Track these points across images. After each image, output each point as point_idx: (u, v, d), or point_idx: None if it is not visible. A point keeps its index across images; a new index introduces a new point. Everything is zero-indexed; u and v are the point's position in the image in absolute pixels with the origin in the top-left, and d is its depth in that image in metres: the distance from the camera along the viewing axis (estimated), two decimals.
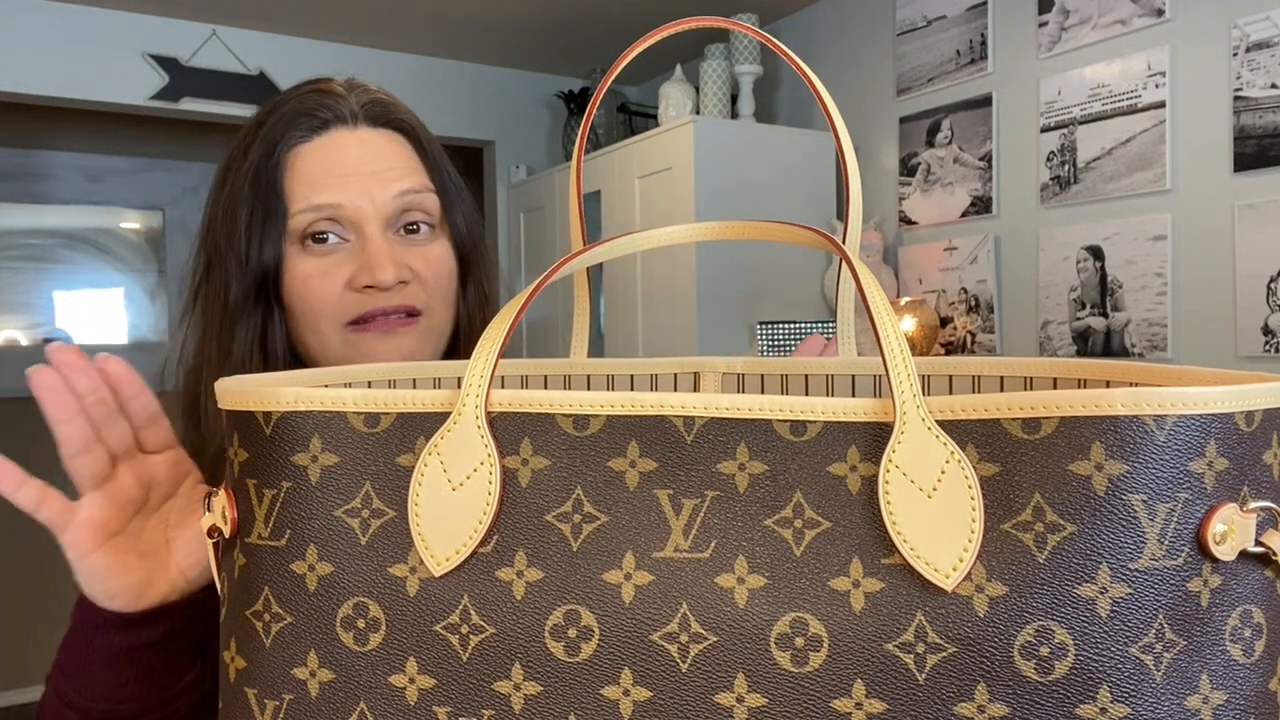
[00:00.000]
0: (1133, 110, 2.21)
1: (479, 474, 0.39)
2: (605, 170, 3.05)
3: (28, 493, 0.53)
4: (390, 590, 0.40)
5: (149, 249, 4.20)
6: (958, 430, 0.35)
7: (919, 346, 2.52)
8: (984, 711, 0.33)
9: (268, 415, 0.42)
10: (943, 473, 0.35)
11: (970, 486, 0.34)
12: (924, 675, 0.34)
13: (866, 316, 0.37)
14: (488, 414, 0.40)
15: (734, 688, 0.36)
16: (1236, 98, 2.03)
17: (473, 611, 0.39)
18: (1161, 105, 2.16)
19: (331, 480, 0.41)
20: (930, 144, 2.70)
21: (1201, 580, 0.34)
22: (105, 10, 3.05)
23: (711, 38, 3.18)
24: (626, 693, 0.37)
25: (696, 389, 0.61)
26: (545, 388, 0.58)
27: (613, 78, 0.53)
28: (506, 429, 0.40)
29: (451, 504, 0.40)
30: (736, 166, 2.74)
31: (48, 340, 3.93)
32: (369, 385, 0.56)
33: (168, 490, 0.59)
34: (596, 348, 3.12)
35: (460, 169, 0.84)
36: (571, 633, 0.38)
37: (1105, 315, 2.28)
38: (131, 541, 0.57)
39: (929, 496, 0.35)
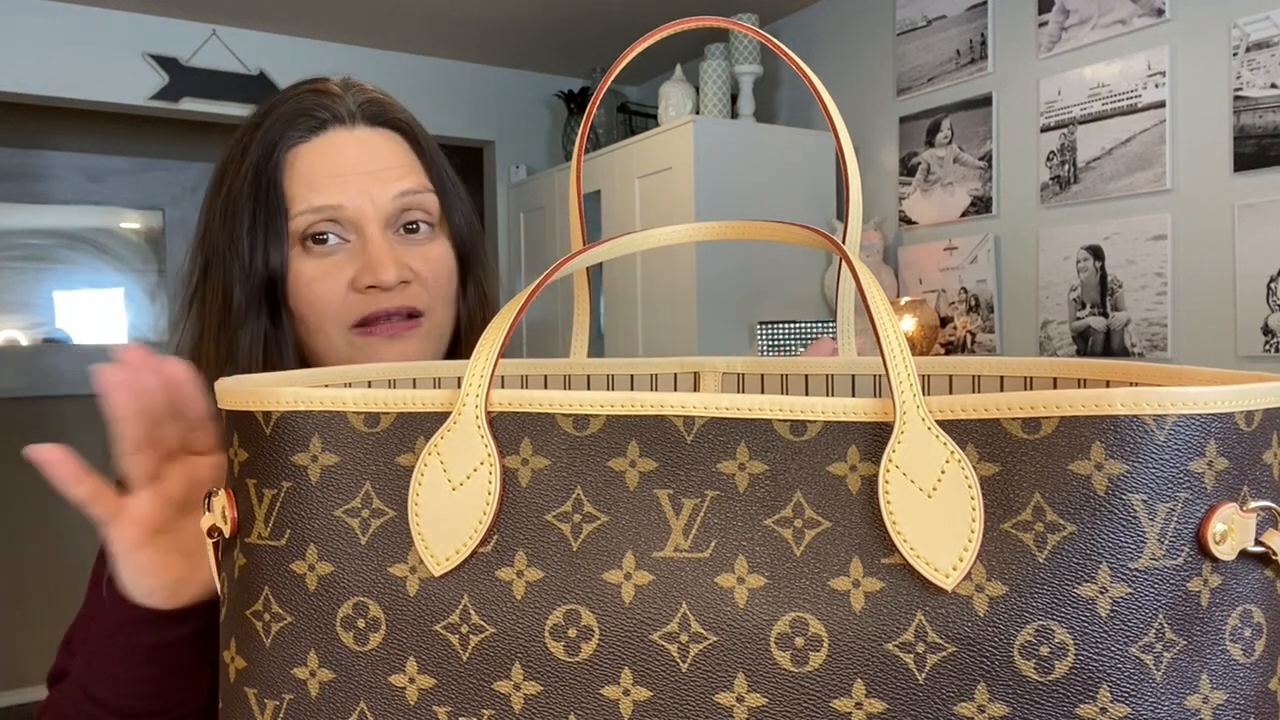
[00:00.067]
0: (1133, 110, 2.21)
1: (479, 474, 0.39)
2: (605, 170, 3.05)
3: (83, 488, 0.54)
4: (390, 590, 0.40)
5: (149, 249, 4.20)
6: (958, 430, 0.35)
7: (919, 346, 2.52)
8: (984, 711, 0.33)
9: (268, 415, 0.42)
10: (943, 472, 0.35)
11: (970, 486, 0.34)
12: (924, 675, 0.34)
13: (866, 316, 0.37)
14: (488, 414, 0.40)
15: (734, 687, 0.36)
16: (1236, 98, 2.03)
17: (473, 611, 0.39)
18: (1161, 105, 2.16)
19: (331, 480, 0.41)
20: (930, 144, 2.70)
21: (1201, 580, 0.34)
22: (105, 10, 3.05)
23: (711, 38, 3.18)
24: (626, 692, 0.37)
25: (696, 389, 0.61)
26: (545, 388, 0.58)
27: (613, 78, 0.53)
28: (506, 429, 0.40)
29: (451, 504, 0.40)
30: (736, 166, 2.74)
31: (48, 340, 3.93)
32: (369, 385, 0.56)
33: (210, 492, 0.60)
34: (596, 348, 3.12)
35: (460, 169, 0.84)
36: (571, 632, 0.38)
37: (1105, 315, 2.28)
38: (174, 540, 0.57)
39: (929, 496, 0.35)
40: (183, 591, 0.58)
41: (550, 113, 3.86)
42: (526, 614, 0.38)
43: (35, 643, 3.66)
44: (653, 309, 2.86)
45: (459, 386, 0.40)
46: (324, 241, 0.73)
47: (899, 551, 0.35)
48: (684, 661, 0.36)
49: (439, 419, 0.41)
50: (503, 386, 0.61)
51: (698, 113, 2.91)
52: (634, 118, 3.54)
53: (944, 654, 0.34)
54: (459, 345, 0.81)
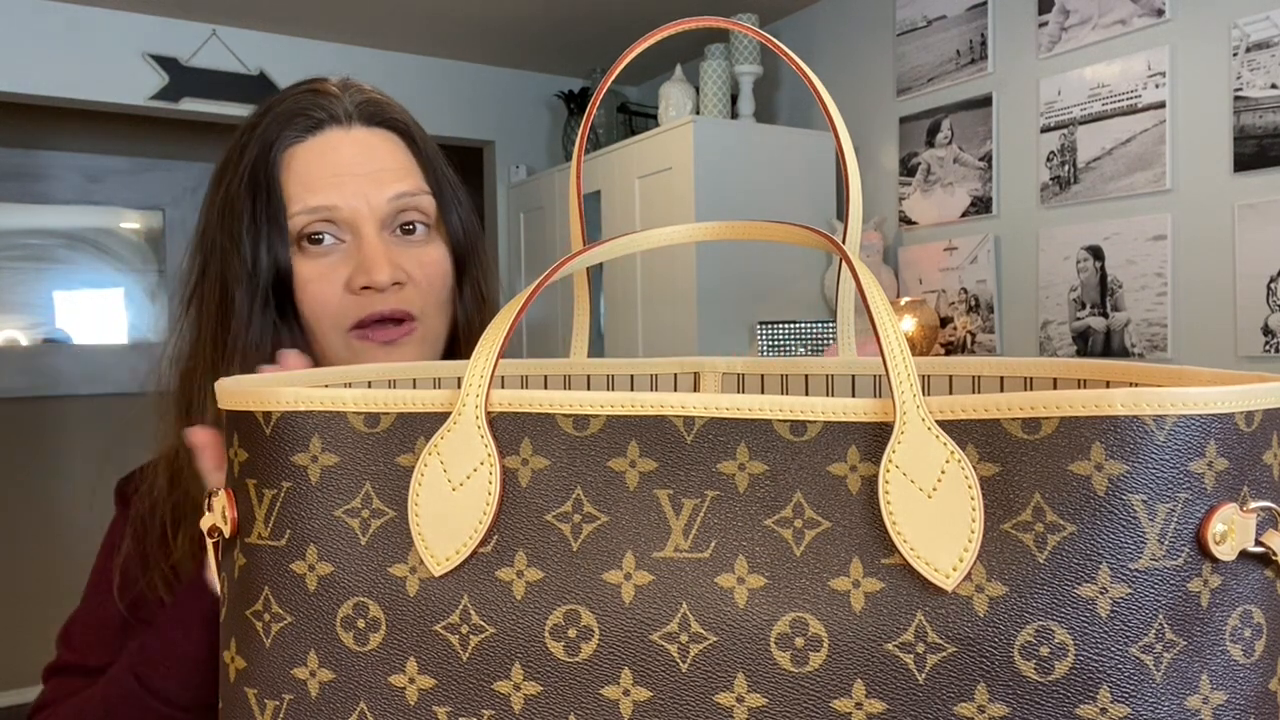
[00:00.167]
0: (1133, 110, 2.21)
1: (479, 474, 0.39)
2: (605, 170, 3.05)
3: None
4: (390, 590, 0.40)
5: (149, 249, 4.20)
6: (958, 430, 0.35)
7: (919, 346, 2.52)
8: (984, 711, 0.33)
9: (268, 415, 0.42)
10: (943, 473, 0.35)
11: (970, 486, 0.34)
12: (924, 675, 0.34)
13: (866, 316, 0.37)
14: (488, 414, 0.40)
15: (734, 688, 0.36)
16: (1236, 98, 2.03)
17: (473, 611, 0.39)
18: (1161, 105, 2.16)
19: (331, 480, 0.41)
20: (930, 144, 2.70)
21: (1201, 580, 0.34)
22: (105, 10, 3.05)
23: (711, 38, 3.18)
24: (626, 693, 0.37)
25: (696, 389, 0.61)
26: (545, 388, 0.58)
27: (613, 78, 0.53)
28: (506, 429, 0.40)
29: (451, 504, 0.40)
30: (736, 166, 2.74)
31: (48, 340, 3.93)
32: (369, 385, 0.56)
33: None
34: (596, 348, 3.12)
35: (460, 169, 0.84)
36: (571, 633, 0.38)
37: (1105, 315, 2.28)
38: None
39: (929, 496, 0.35)
40: None
41: (550, 113, 3.86)
42: (526, 614, 0.38)
43: (35, 642, 3.65)
44: (653, 309, 2.86)
45: (459, 387, 0.40)
46: (319, 242, 0.73)
47: (899, 552, 0.35)
48: (684, 662, 0.36)
49: (439, 419, 0.41)
50: (503, 386, 0.61)
51: (698, 113, 2.91)
52: (634, 118, 3.54)
53: (944, 654, 0.34)
54: (457, 346, 0.81)
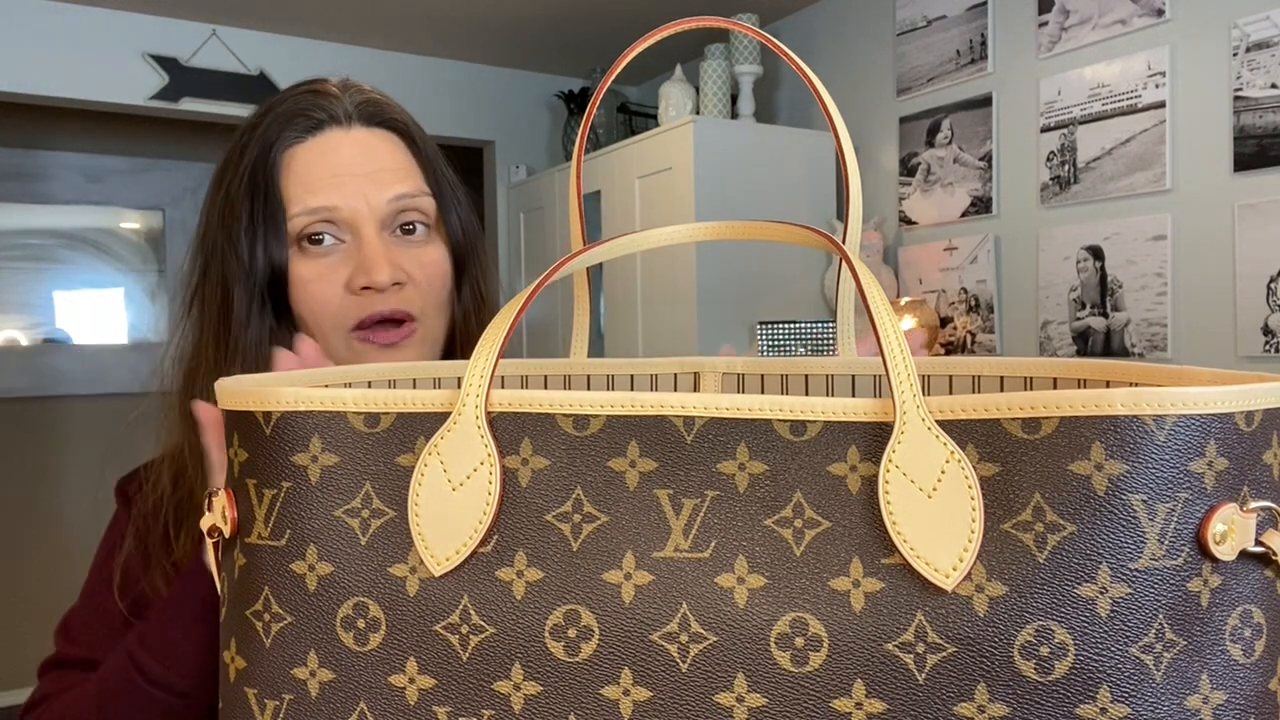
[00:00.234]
0: (1133, 110, 2.21)
1: (479, 474, 0.39)
2: (605, 170, 3.05)
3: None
4: (390, 590, 0.40)
5: (149, 249, 4.20)
6: (958, 430, 0.35)
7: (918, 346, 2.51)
8: (984, 711, 0.33)
9: (268, 415, 0.42)
10: (943, 473, 0.35)
11: (970, 486, 0.34)
12: (924, 675, 0.34)
13: (866, 316, 0.37)
14: (488, 414, 0.40)
15: (734, 688, 0.36)
16: (1236, 98, 2.03)
17: (473, 611, 0.39)
18: (1161, 105, 2.16)
19: (331, 480, 0.41)
20: (930, 144, 2.70)
21: (1201, 580, 0.34)
22: (105, 10, 3.05)
23: (711, 38, 3.18)
24: (626, 693, 0.37)
25: (696, 389, 0.61)
26: (545, 388, 0.58)
27: (613, 78, 0.53)
28: (506, 429, 0.40)
29: (451, 504, 0.40)
30: (736, 166, 2.74)
31: (48, 340, 3.93)
32: (369, 385, 0.56)
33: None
34: (596, 348, 3.12)
35: (460, 169, 0.84)
36: (571, 633, 0.38)
37: (1105, 315, 2.28)
38: None
39: (929, 496, 0.35)
40: None
41: (550, 113, 3.86)
42: (526, 614, 0.38)
43: (35, 642, 3.65)
44: (653, 309, 2.86)
45: (459, 387, 0.40)
46: (319, 242, 0.73)
47: (899, 551, 0.35)
48: (684, 661, 0.36)
49: (439, 419, 0.41)
50: (503, 386, 0.61)
51: (698, 113, 2.91)
52: (634, 118, 3.54)
53: (944, 654, 0.34)
54: (456, 347, 0.81)
